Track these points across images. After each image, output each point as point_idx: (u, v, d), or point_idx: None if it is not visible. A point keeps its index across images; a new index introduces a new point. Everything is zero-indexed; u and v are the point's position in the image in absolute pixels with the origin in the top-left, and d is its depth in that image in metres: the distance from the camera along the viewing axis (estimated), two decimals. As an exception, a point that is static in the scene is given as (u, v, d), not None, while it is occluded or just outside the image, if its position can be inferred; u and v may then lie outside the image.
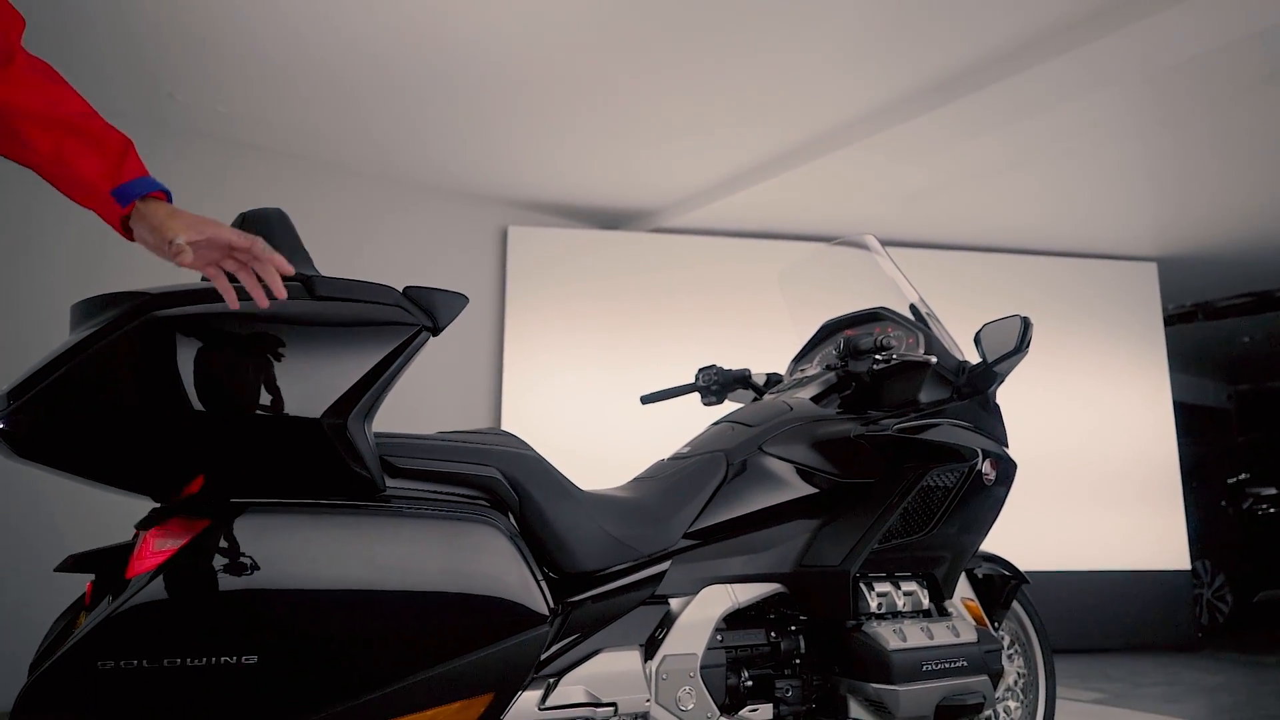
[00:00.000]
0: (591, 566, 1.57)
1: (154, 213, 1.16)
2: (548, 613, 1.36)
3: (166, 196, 1.20)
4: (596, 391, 4.94)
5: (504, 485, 1.49)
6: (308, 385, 1.24)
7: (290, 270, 1.21)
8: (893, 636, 1.74)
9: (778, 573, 1.79)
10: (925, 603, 1.89)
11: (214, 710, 1.10)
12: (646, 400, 2.37)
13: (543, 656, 1.47)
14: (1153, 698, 3.79)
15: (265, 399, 1.22)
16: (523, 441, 1.60)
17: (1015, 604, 2.30)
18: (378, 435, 1.42)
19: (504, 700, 1.32)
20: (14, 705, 1.04)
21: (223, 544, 1.14)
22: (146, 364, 1.18)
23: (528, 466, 1.54)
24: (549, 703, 1.44)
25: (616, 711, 1.51)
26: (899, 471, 1.87)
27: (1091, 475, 5.31)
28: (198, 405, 1.18)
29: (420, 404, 4.58)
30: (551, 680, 1.47)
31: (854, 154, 4.19)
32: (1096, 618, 5.15)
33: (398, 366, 1.32)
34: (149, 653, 1.07)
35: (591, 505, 1.61)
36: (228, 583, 1.13)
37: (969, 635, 1.85)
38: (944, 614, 1.91)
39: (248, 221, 1.40)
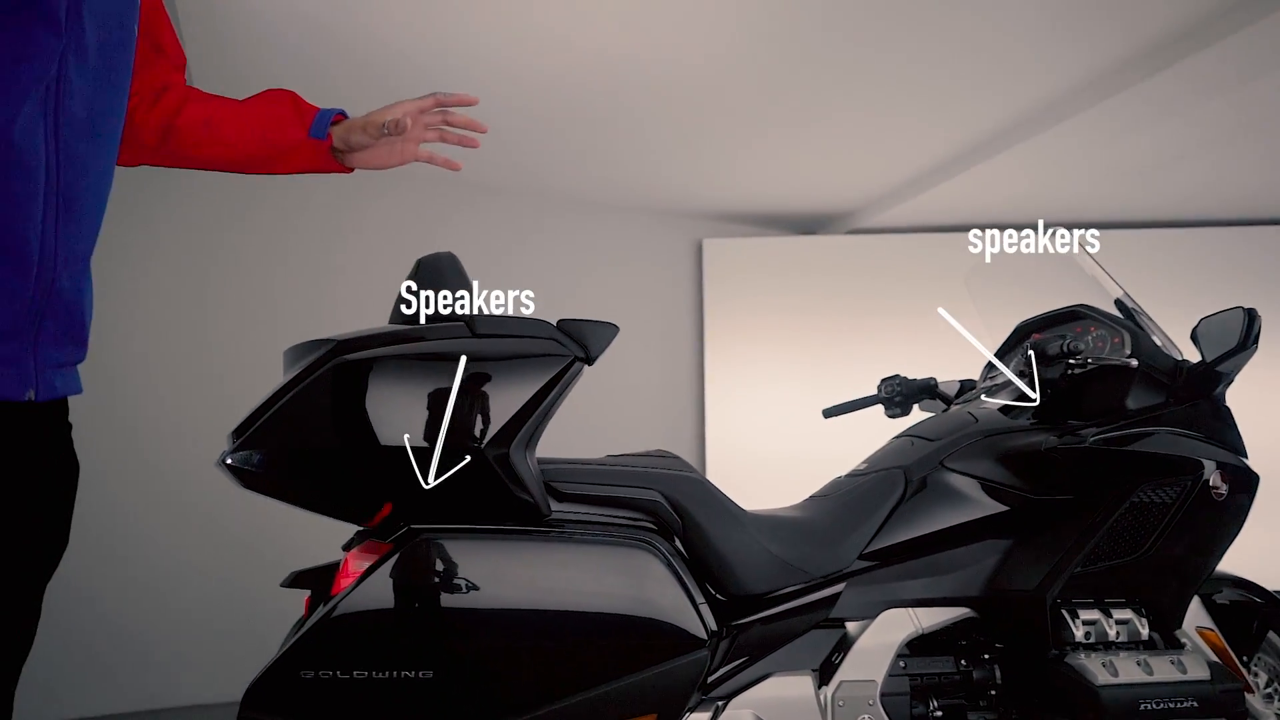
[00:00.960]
0: (758, 589, 1.55)
1: (349, 128, 1.35)
2: (706, 636, 1.37)
3: (344, 116, 1.38)
4: (801, 399, 4.84)
5: (666, 508, 1.52)
6: (472, 418, 1.33)
7: (472, 101, 1.44)
8: (1101, 670, 1.58)
9: (965, 596, 1.68)
10: (1144, 633, 1.70)
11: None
12: (829, 414, 2.31)
13: (711, 679, 1.48)
14: None
15: (436, 433, 1.32)
16: (686, 464, 1.62)
17: (1273, 635, 2.01)
18: (545, 461, 1.50)
19: (668, 720, 1.34)
20: (239, 708, 1.20)
21: (398, 568, 1.25)
22: (336, 403, 1.32)
23: (690, 489, 1.55)
24: (719, 727, 1.45)
25: (788, 737, 1.48)
26: (1103, 487, 1.70)
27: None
28: (379, 439, 1.31)
29: (624, 421, 4.75)
30: (720, 703, 1.47)
31: (1065, 132, 3.85)
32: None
33: (554, 396, 1.39)
34: (340, 665, 1.20)
35: (756, 527, 1.59)
36: (403, 604, 1.24)
37: (1200, 671, 1.64)
38: (1171, 646, 1.71)
39: (423, 266, 1.53)
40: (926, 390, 2.19)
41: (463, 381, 1.35)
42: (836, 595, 1.62)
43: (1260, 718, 1.85)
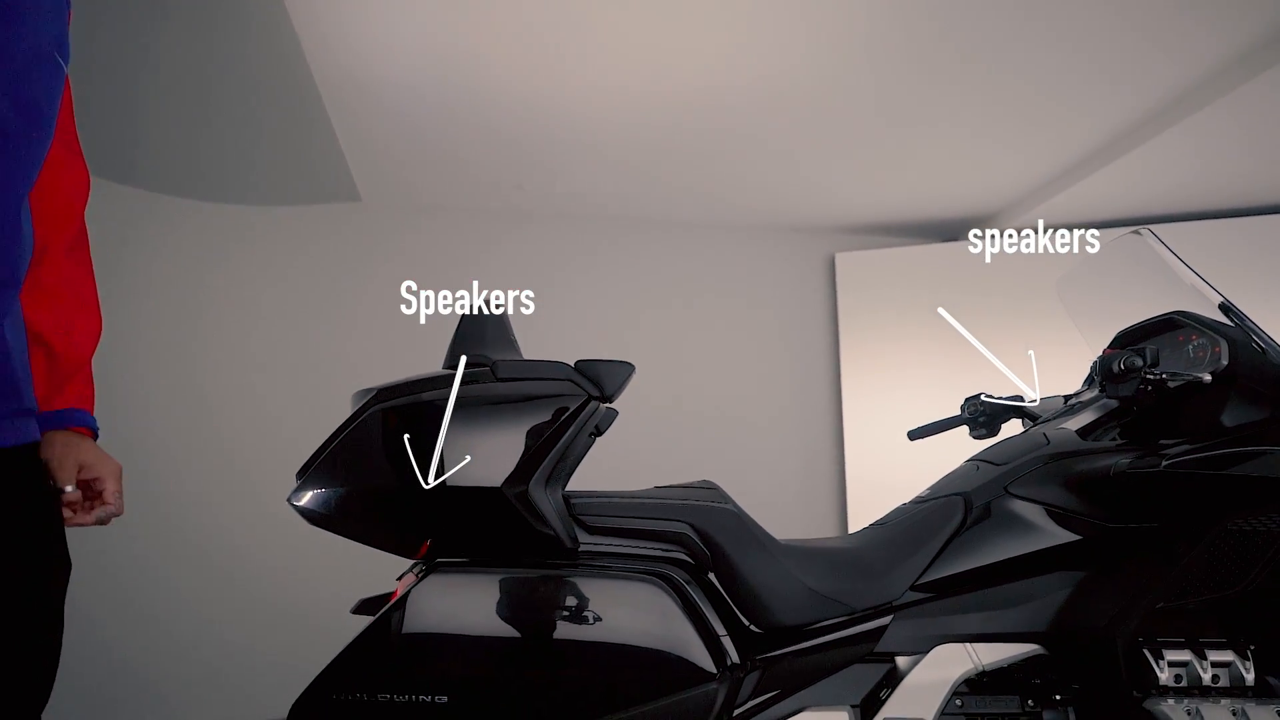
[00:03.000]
0: (790, 621, 1.54)
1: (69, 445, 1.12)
2: (717, 670, 1.38)
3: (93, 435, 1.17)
4: (943, 414, 4.65)
5: (694, 540, 1.54)
6: (493, 458, 1.42)
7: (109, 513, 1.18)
8: (1182, 717, 1.44)
9: (1032, 631, 1.58)
10: (1249, 678, 1.52)
11: (414, 742, 1.31)
12: (914, 436, 2.23)
13: (739, 711, 1.48)
14: None
15: (461, 472, 1.42)
16: (723, 495, 1.63)
17: None
18: (577, 495, 1.57)
19: (680, 753, 1.36)
20: None
21: (411, 601, 1.36)
22: (375, 447, 1.45)
23: (720, 520, 1.57)
24: (745, 759, 1.45)
25: (818, 774, 1.46)
26: (1189, 515, 1.55)
27: None
28: (411, 479, 1.42)
29: (760, 442, 4.73)
30: (748, 736, 1.47)
31: (1221, 110, 3.48)
32: None
33: (572, 434, 1.45)
34: (365, 689, 1.31)
35: (791, 558, 1.58)
36: (417, 633, 1.34)
37: (1311, 723, 1.45)
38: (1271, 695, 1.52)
39: (464, 321, 1.65)
40: (1012, 410, 2.07)
41: (486, 424, 1.45)
42: (882, 629, 1.57)
43: None
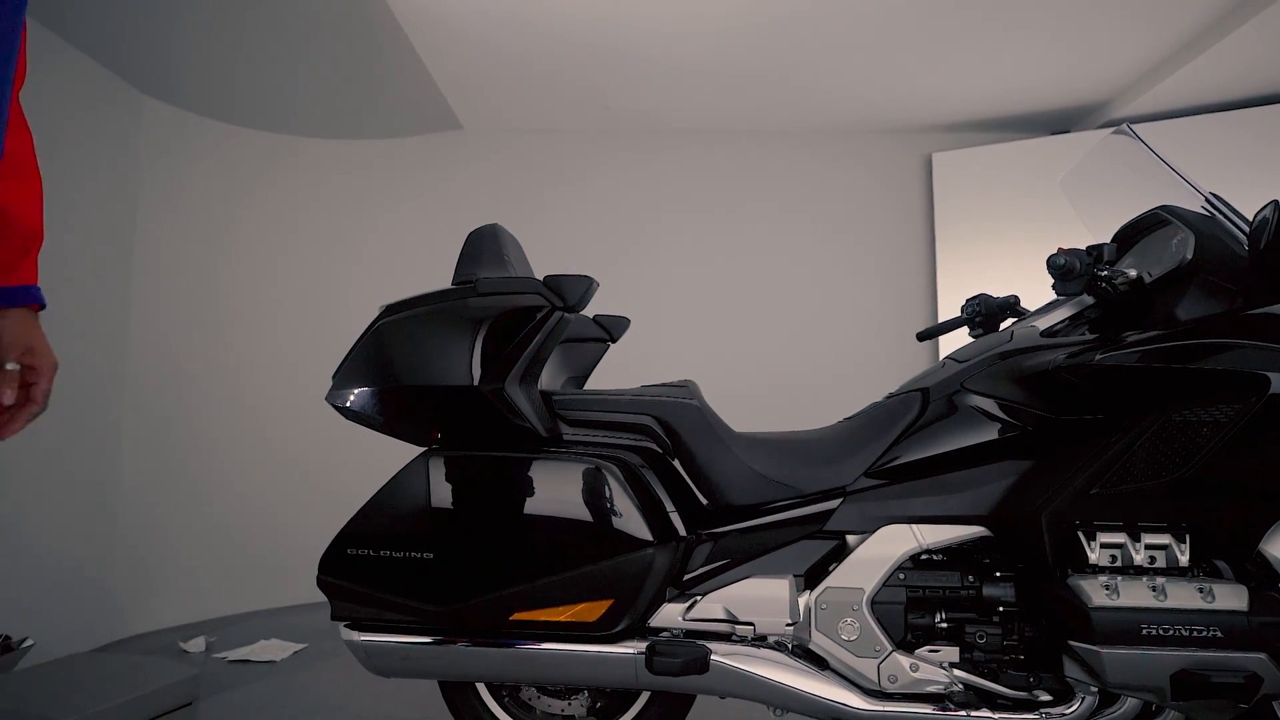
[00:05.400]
0: (740, 501, 1.74)
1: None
2: (653, 539, 1.60)
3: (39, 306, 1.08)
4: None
5: (658, 431, 1.76)
6: (473, 361, 1.68)
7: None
8: (1099, 592, 1.53)
9: (976, 515, 1.70)
10: (1183, 559, 1.58)
11: (408, 589, 1.63)
12: (922, 337, 2.31)
13: (689, 576, 1.71)
14: None
15: (449, 373, 1.69)
16: (693, 392, 1.82)
17: None
18: (561, 394, 1.81)
19: (625, 605, 1.60)
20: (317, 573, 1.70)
21: (403, 478, 1.66)
22: (384, 353, 1.74)
23: (683, 414, 1.77)
24: (690, 615, 1.68)
25: (755, 631, 1.67)
26: (1130, 406, 1.60)
27: None
28: (413, 380, 1.71)
29: (854, 346, 4.80)
30: (699, 597, 1.69)
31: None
32: None
33: (540, 340, 1.69)
34: (370, 546, 1.64)
35: (745, 447, 1.76)
36: (407, 505, 1.64)
37: (1234, 602, 1.51)
38: (1214, 575, 1.58)
39: (467, 240, 1.90)
40: (1008, 309, 2.11)
41: (469, 332, 1.70)
42: (831, 511, 1.74)
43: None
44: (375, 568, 1.64)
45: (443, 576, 1.63)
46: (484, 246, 1.86)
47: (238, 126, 4.30)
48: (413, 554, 1.63)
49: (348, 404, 1.74)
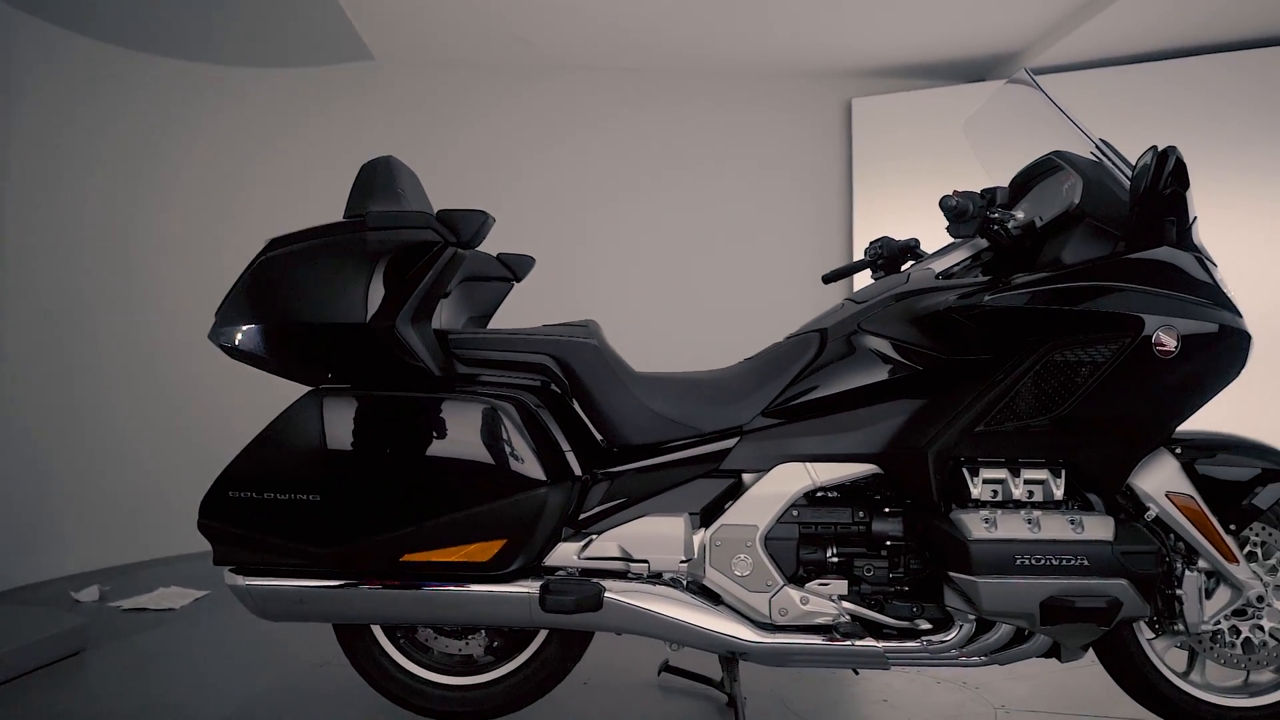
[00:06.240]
0: (637, 440, 1.74)
1: None
2: (545, 478, 1.59)
3: None
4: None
5: (555, 370, 1.73)
6: (363, 298, 1.62)
7: None
8: (978, 525, 1.59)
9: (868, 453, 1.73)
10: (1059, 493, 1.65)
11: (293, 531, 1.59)
12: (827, 279, 2.33)
13: (585, 515, 1.71)
14: None
15: (338, 311, 1.63)
16: (593, 332, 1.79)
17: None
18: (456, 333, 1.77)
19: (519, 545, 1.59)
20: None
21: (286, 418, 1.61)
22: (269, 288, 1.66)
23: (580, 353, 1.75)
24: (585, 554, 1.68)
25: (650, 568, 1.68)
26: (1017, 346, 1.64)
27: None
28: (298, 316, 1.64)
29: (773, 290, 4.82)
30: (594, 536, 1.70)
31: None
32: None
33: (432, 276, 1.63)
34: (254, 488, 1.59)
35: (643, 387, 1.76)
36: (292, 445, 1.59)
37: (1101, 532, 1.58)
38: (1086, 508, 1.65)
39: (361, 172, 1.82)
40: (908, 251, 2.13)
41: (360, 269, 1.64)
42: (726, 450, 1.75)
43: (1242, 587, 1.73)
44: (259, 510, 1.59)
45: (329, 518, 1.59)
46: (377, 179, 1.78)
47: (129, 50, 4.03)
48: (298, 495, 1.58)
49: (235, 342, 1.66)
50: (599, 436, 1.75)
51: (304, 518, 1.58)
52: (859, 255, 4.85)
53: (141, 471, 3.99)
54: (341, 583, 1.64)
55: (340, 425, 1.60)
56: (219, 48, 4.23)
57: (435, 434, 1.61)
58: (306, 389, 1.75)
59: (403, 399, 1.63)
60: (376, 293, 1.62)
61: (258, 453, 1.61)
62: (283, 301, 1.65)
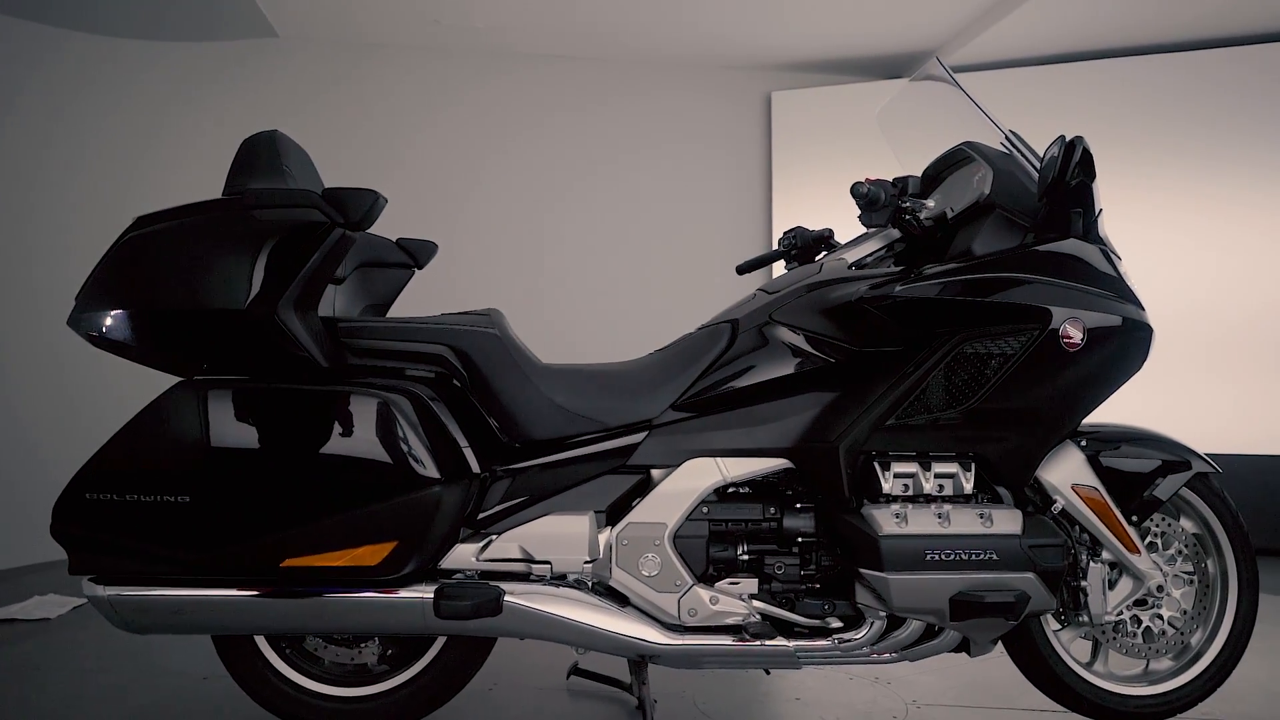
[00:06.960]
0: (539, 435, 1.65)
1: None
2: (440, 476, 1.49)
3: None
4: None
5: (452, 362, 1.63)
6: (240, 282, 1.49)
7: None
8: (889, 521, 1.56)
9: (779, 447, 1.68)
10: (968, 487, 1.63)
11: (160, 535, 1.45)
12: (741, 270, 2.28)
13: (484, 514, 1.62)
14: None
15: (211, 296, 1.49)
16: (495, 322, 1.70)
17: (1191, 497, 1.84)
18: (347, 320, 1.65)
19: (411, 547, 1.49)
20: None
21: (153, 411, 1.47)
22: (133, 271, 1.51)
23: (480, 344, 1.65)
24: (484, 556, 1.59)
25: (553, 570, 1.60)
26: (927, 338, 1.62)
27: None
28: (168, 302, 1.50)
29: (691, 283, 4.77)
30: (494, 537, 1.61)
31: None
32: None
33: (317, 259, 1.51)
34: (113, 489, 1.44)
35: (547, 380, 1.67)
36: (161, 441, 1.46)
37: (1009, 526, 1.57)
38: (995, 501, 1.64)
39: (241, 147, 1.68)
40: (822, 241, 2.10)
41: (238, 251, 1.51)
42: (634, 445, 1.68)
43: (1143, 578, 1.75)
44: (120, 513, 1.45)
45: (200, 521, 1.46)
46: (260, 155, 1.65)
47: (17, 19, 3.73)
48: (165, 497, 1.45)
49: (101, 330, 1.51)
50: (499, 431, 1.66)
51: (171, 520, 1.45)
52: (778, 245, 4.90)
53: (10, 471, 3.71)
54: (217, 591, 1.51)
55: (215, 419, 1.47)
56: (112, 19, 3.96)
57: (320, 428, 1.49)
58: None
59: (283, 390, 1.51)
60: (256, 276, 1.49)
61: (119, 450, 1.46)
62: (151, 285, 1.51)
